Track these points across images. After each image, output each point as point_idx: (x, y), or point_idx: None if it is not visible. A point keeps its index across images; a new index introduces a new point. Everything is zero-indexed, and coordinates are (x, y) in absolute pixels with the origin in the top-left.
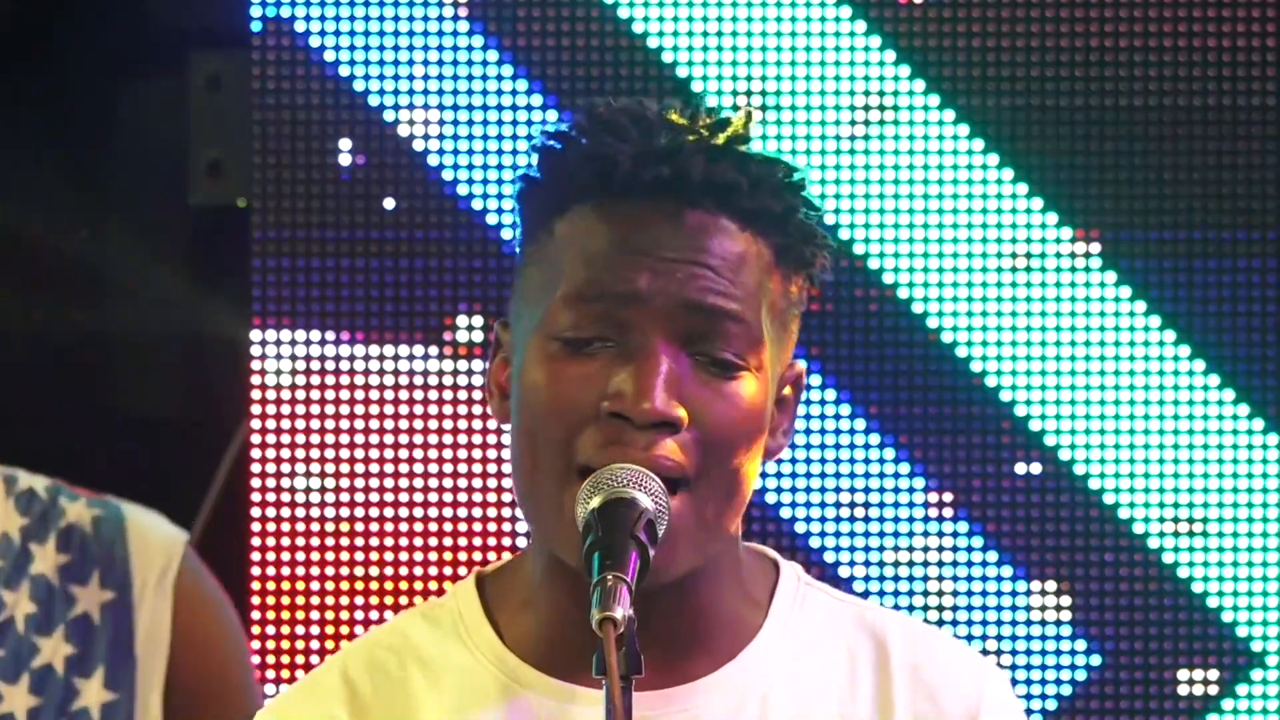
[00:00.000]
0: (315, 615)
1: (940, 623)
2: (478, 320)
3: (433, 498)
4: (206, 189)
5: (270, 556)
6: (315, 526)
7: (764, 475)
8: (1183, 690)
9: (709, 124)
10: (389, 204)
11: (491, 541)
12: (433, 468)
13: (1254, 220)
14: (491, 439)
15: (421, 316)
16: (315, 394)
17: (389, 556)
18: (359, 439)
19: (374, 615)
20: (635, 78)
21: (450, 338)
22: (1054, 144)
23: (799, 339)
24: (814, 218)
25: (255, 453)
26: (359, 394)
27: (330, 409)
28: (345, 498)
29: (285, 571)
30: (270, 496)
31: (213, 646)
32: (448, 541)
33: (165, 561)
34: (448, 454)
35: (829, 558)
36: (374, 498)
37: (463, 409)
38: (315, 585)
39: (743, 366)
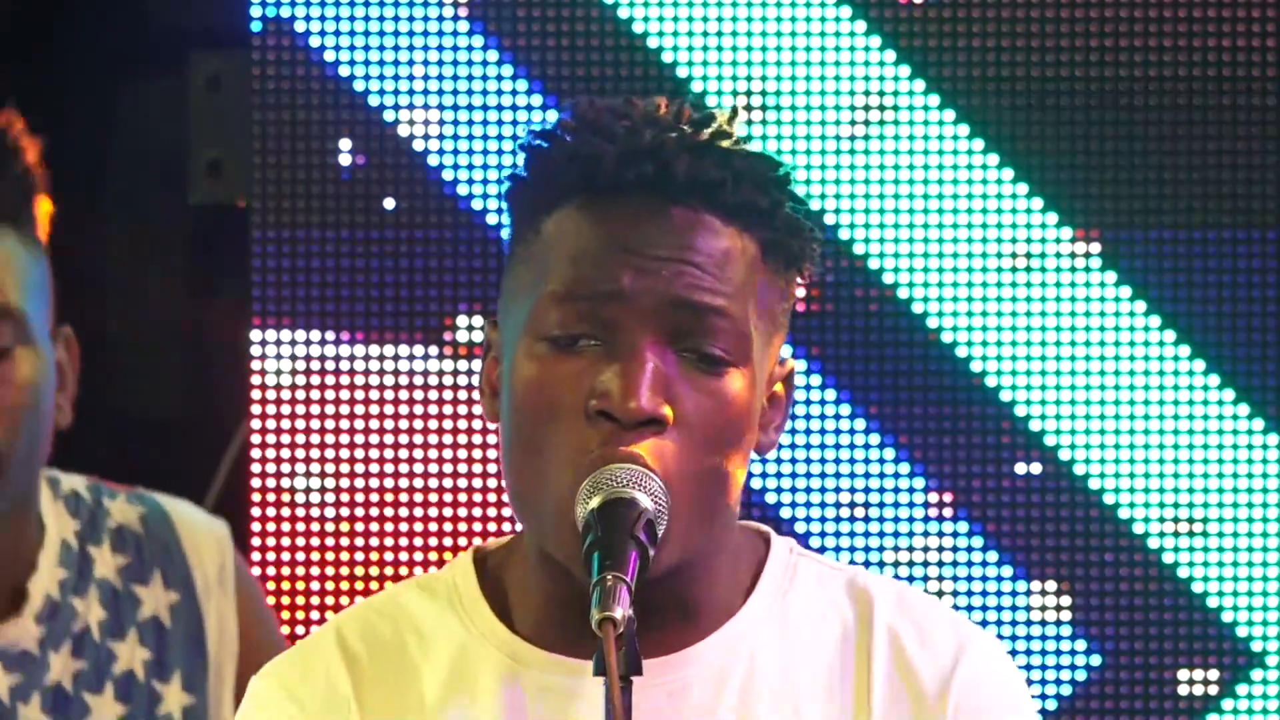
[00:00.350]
0: (315, 615)
1: None
2: (478, 320)
3: (433, 497)
4: (206, 189)
5: (270, 556)
6: (315, 526)
7: (764, 475)
8: (1183, 690)
9: (693, 120)
10: (389, 204)
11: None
12: (433, 468)
13: (1254, 220)
14: (491, 439)
15: (421, 316)
16: (315, 394)
17: (389, 556)
18: (359, 439)
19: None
20: (635, 78)
21: (450, 338)
22: (1054, 144)
23: (799, 339)
24: (800, 211)
25: (255, 453)
26: (359, 394)
27: (330, 409)
28: (345, 497)
29: (285, 571)
30: (270, 496)
31: (267, 638)
32: (447, 540)
33: (221, 558)
34: (448, 454)
35: (829, 558)
36: (374, 498)
37: (463, 409)
38: (315, 585)
39: (730, 362)
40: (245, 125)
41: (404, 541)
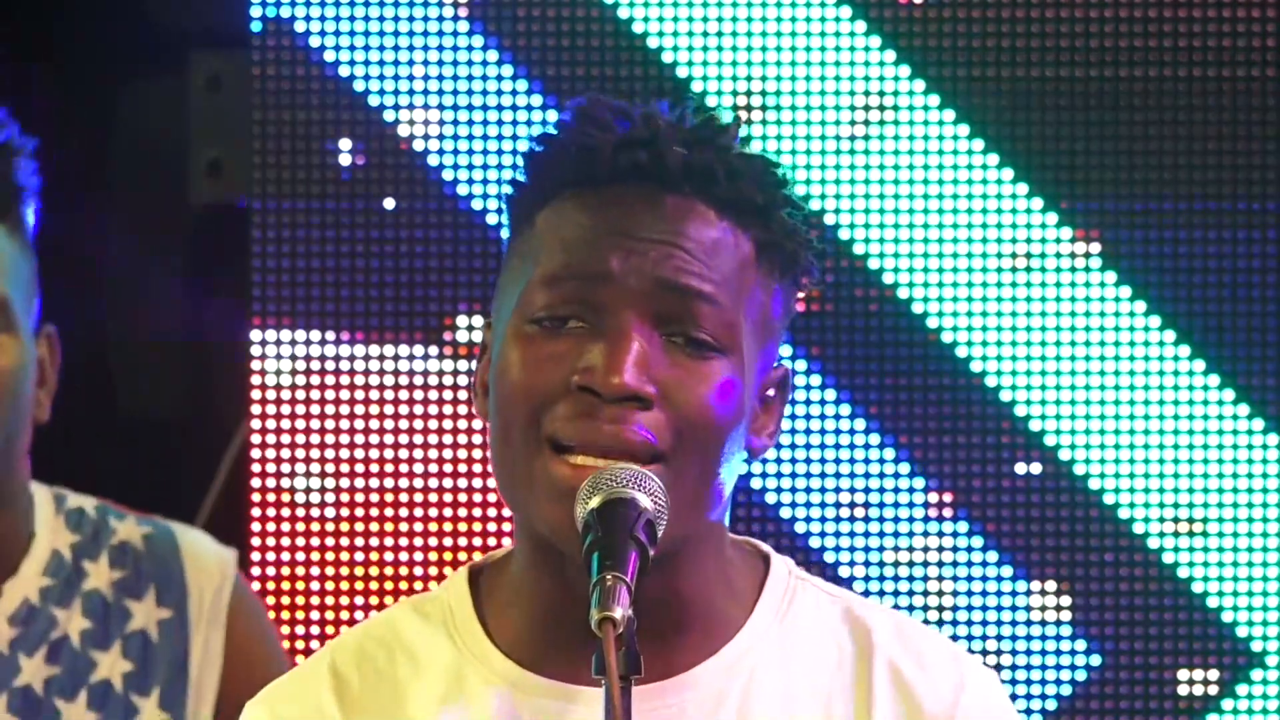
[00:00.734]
0: (315, 615)
1: (940, 623)
2: (478, 320)
3: (433, 498)
4: (206, 189)
5: (270, 556)
6: (315, 526)
7: (764, 475)
8: (1183, 690)
9: (691, 117)
10: (389, 204)
11: (491, 541)
12: (433, 468)
13: (1254, 221)
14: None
15: (421, 316)
16: (315, 394)
17: (389, 556)
18: (359, 439)
19: (374, 615)
20: (635, 78)
21: (450, 338)
22: (1054, 144)
23: (799, 339)
24: (799, 215)
25: (255, 453)
26: (359, 394)
27: (330, 409)
28: (345, 497)
29: (285, 571)
30: (270, 496)
31: (260, 670)
32: (447, 541)
33: (220, 582)
34: (448, 454)
35: (829, 558)
36: (374, 497)
37: (463, 409)
38: (315, 585)
39: (716, 349)
40: (245, 125)
41: (404, 541)
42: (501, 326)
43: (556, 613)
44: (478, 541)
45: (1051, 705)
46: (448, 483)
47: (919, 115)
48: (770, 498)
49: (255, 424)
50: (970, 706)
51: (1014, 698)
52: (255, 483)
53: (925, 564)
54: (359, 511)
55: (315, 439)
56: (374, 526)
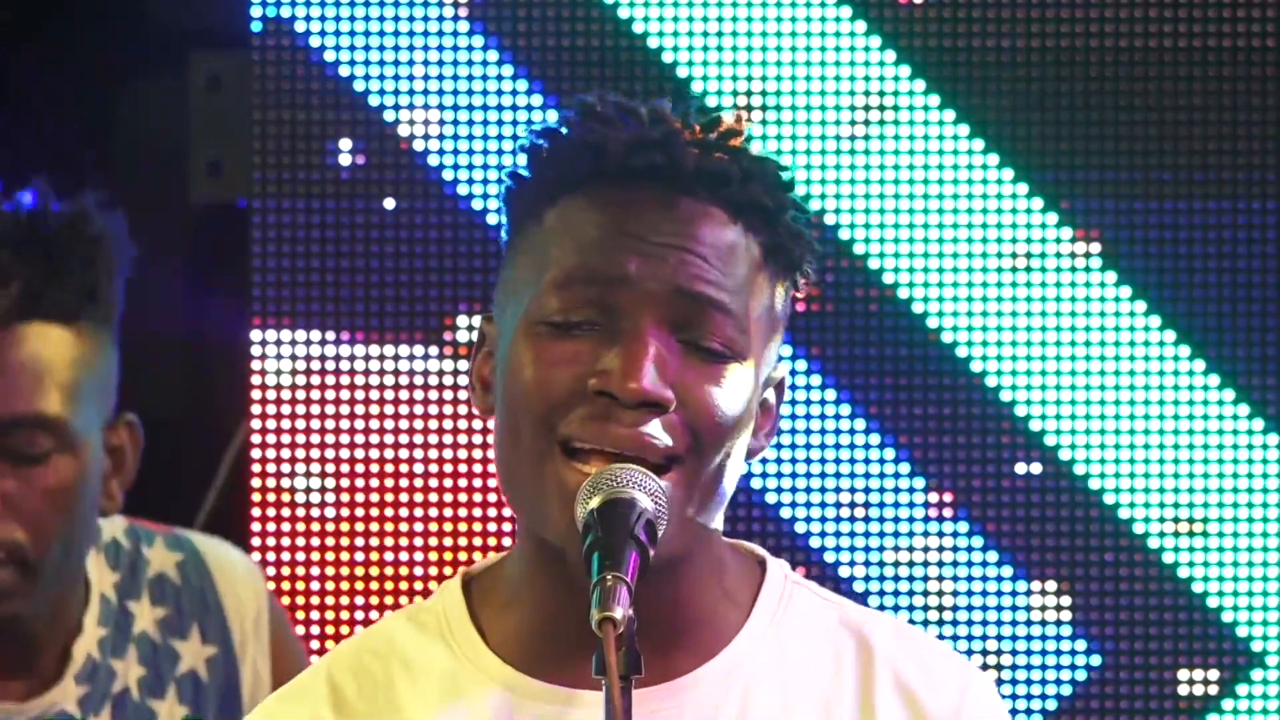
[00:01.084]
0: (315, 615)
1: (940, 623)
2: (478, 320)
3: (433, 498)
4: (206, 189)
5: (270, 556)
6: (315, 526)
7: (764, 475)
8: (1183, 690)
9: (703, 119)
10: (389, 204)
11: (491, 541)
12: (433, 468)
13: (1254, 221)
14: (491, 438)
15: (421, 316)
16: (315, 394)
17: (388, 556)
18: (359, 439)
19: (373, 615)
20: (635, 78)
21: (450, 338)
22: (1054, 144)
23: (799, 339)
24: (802, 220)
25: (255, 453)
26: (359, 394)
27: (330, 409)
28: (345, 497)
29: (285, 571)
30: (270, 496)
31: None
32: (447, 541)
33: (256, 607)
34: (448, 454)
35: (829, 558)
36: (374, 497)
37: (463, 409)
38: (315, 585)
39: (729, 356)
40: (245, 125)
41: (404, 541)
42: (509, 323)
43: (556, 615)
44: (477, 541)
45: (1051, 705)
46: (448, 482)
47: (919, 115)
48: (770, 498)
49: (255, 424)
50: (974, 710)
51: (1014, 698)
52: (255, 483)
53: (925, 564)
54: (359, 511)
55: (315, 439)
56: (374, 526)
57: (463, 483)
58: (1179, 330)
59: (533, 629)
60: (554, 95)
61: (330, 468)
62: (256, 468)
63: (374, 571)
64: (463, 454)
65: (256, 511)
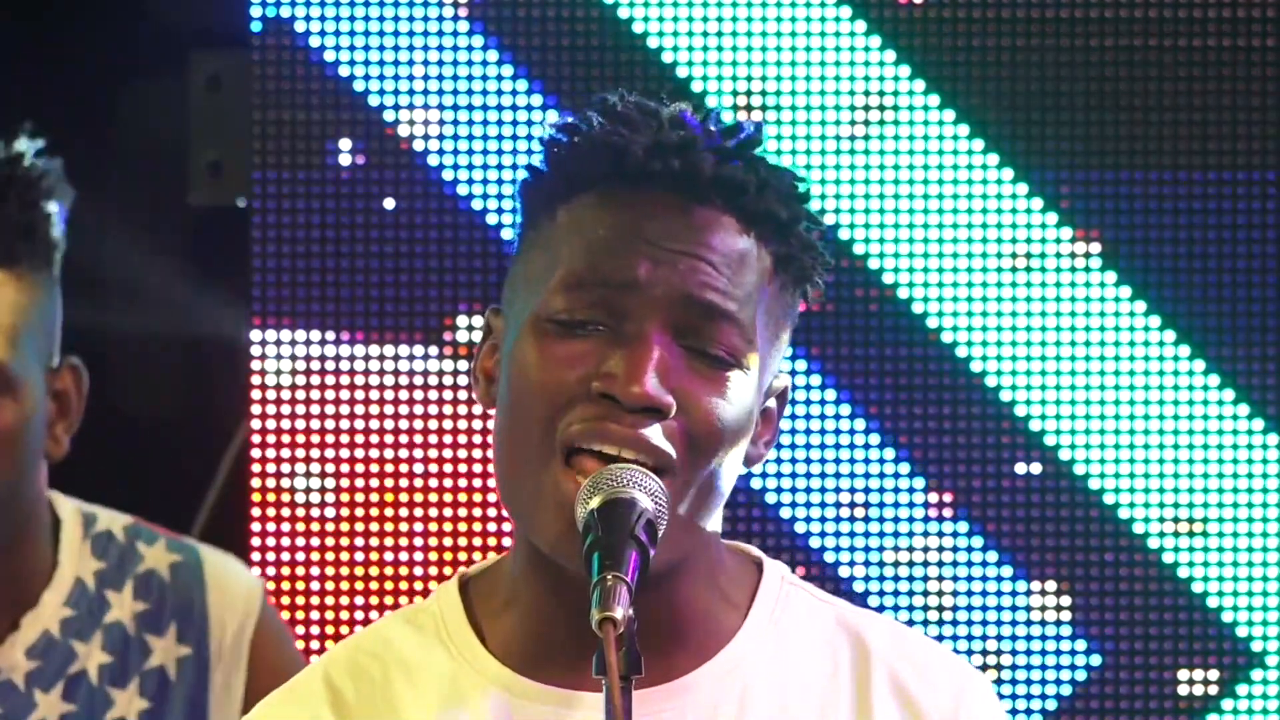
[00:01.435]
0: (315, 615)
1: (940, 623)
2: (478, 320)
3: (432, 497)
4: (206, 189)
5: (270, 556)
6: (315, 526)
7: (764, 475)
8: (1183, 690)
9: (721, 126)
10: (389, 204)
11: (491, 541)
12: (433, 468)
13: (1254, 221)
14: (491, 438)
15: (421, 316)
16: (315, 394)
17: (388, 556)
18: (359, 439)
19: (373, 615)
20: (635, 78)
21: (450, 338)
22: (1054, 144)
23: (799, 339)
24: (815, 231)
25: (255, 453)
26: (359, 394)
27: (330, 409)
28: (345, 497)
29: (285, 571)
30: (270, 496)
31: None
32: (447, 541)
33: (243, 618)
34: (448, 454)
35: (829, 558)
36: (374, 497)
37: (463, 409)
38: (315, 585)
39: (732, 365)
40: (245, 125)
41: (404, 541)
42: (517, 318)
43: (554, 617)
44: (477, 541)
45: (1051, 705)
46: (448, 483)
47: (919, 115)
48: (770, 498)
49: (255, 424)
50: (971, 712)
51: (1014, 698)
52: (255, 483)
53: (925, 564)
54: (359, 511)
55: (315, 439)
56: (374, 526)
57: (462, 483)
58: (1179, 330)
59: (531, 630)
60: (554, 95)
61: (330, 468)
62: (256, 468)
63: (374, 572)
64: (462, 454)
65: (256, 511)
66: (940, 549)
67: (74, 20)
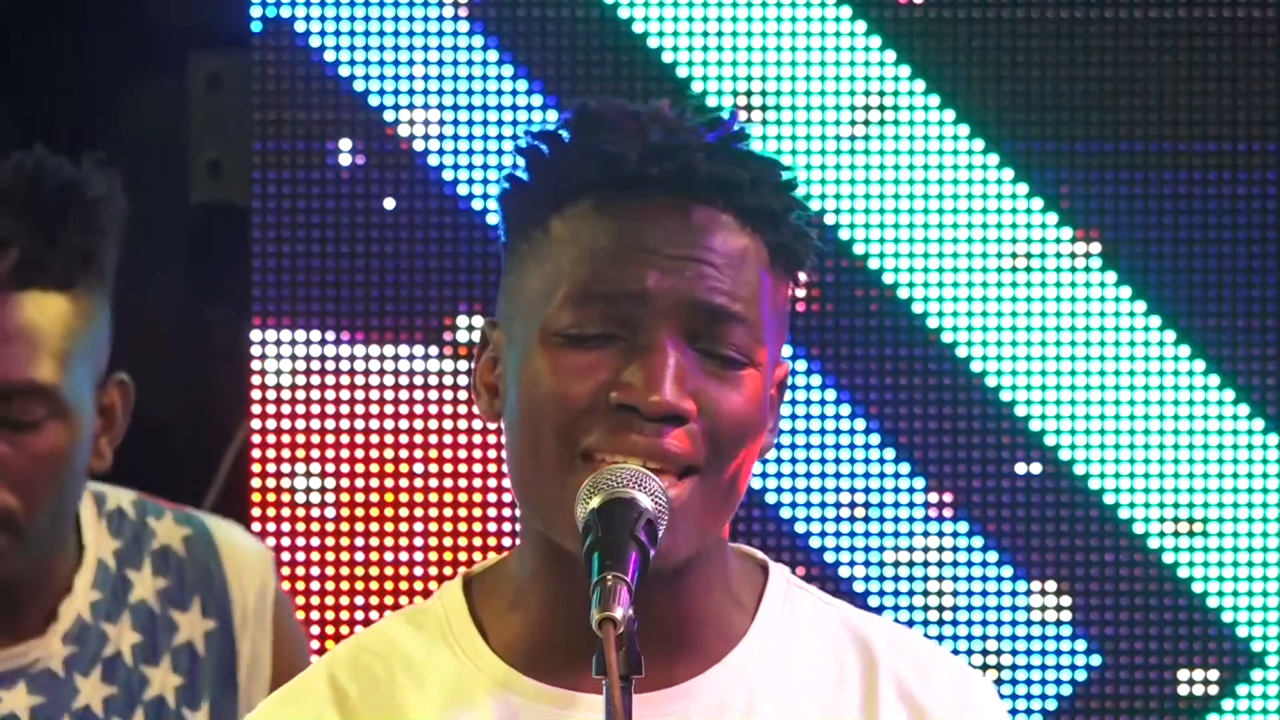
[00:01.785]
0: (315, 615)
1: (940, 623)
2: (478, 320)
3: (433, 497)
4: (206, 189)
5: None
6: (315, 526)
7: (764, 475)
8: (1183, 690)
9: (706, 121)
10: (389, 204)
11: (491, 541)
12: (433, 468)
13: (1254, 222)
14: (491, 439)
15: (421, 316)
16: (315, 394)
17: (389, 556)
18: (359, 439)
19: (374, 615)
20: (635, 78)
21: (450, 338)
22: (1054, 144)
23: (799, 339)
24: (806, 218)
25: (255, 453)
26: (359, 394)
27: (330, 409)
28: (345, 497)
29: (285, 571)
30: (270, 496)
31: (299, 662)
32: (447, 541)
33: (261, 587)
34: (448, 454)
35: (829, 558)
36: (374, 497)
37: (463, 409)
38: (315, 585)
39: (745, 363)
40: (245, 125)
41: (404, 541)
42: (520, 334)
43: (561, 617)
44: (477, 541)
45: (1051, 705)
46: (448, 482)
47: (919, 115)
48: (770, 498)
49: (255, 424)
50: (979, 717)
51: (1014, 698)
52: (255, 483)
53: (925, 564)
54: (359, 511)
55: (315, 439)
56: (374, 526)
57: (463, 483)
58: (1179, 330)
59: (538, 631)
60: (554, 95)
61: (330, 467)
62: (256, 468)
63: (374, 571)
64: (463, 454)
65: (256, 512)
66: (940, 549)
67: (74, 20)
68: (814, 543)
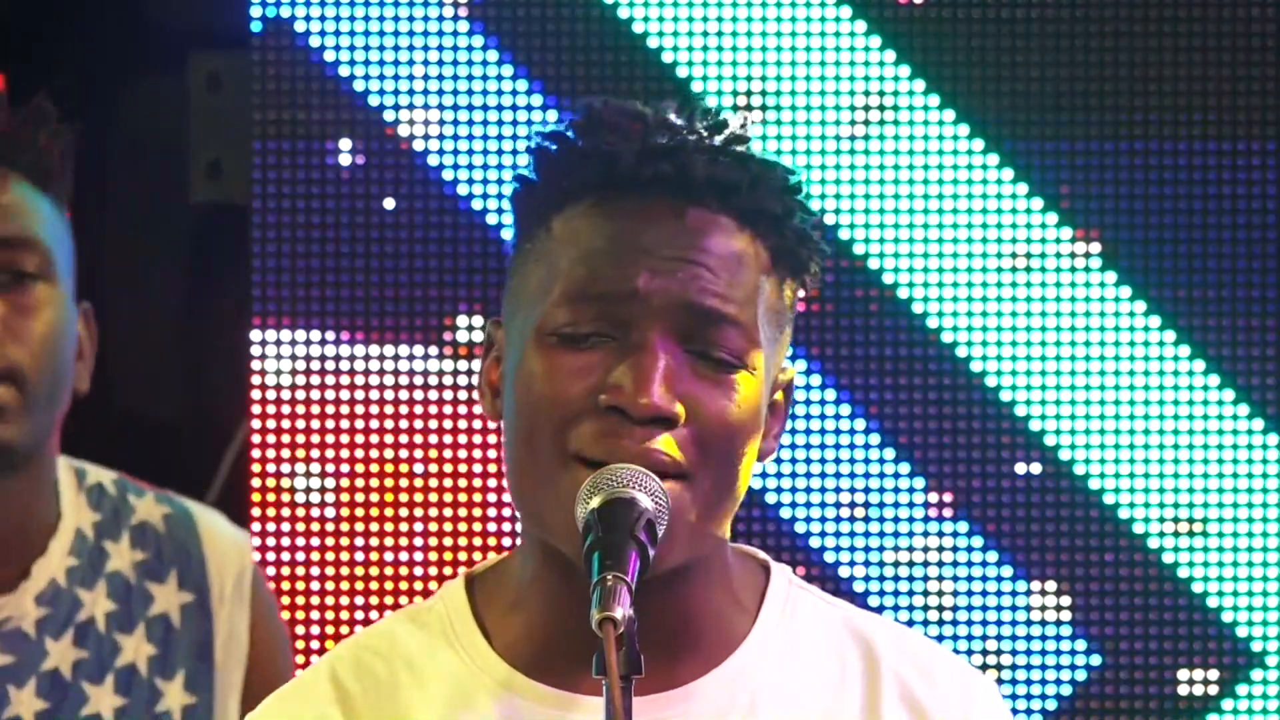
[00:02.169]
0: (315, 615)
1: (940, 623)
2: (478, 320)
3: (433, 497)
4: (206, 189)
5: (270, 556)
6: (315, 526)
7: (764, 475)
8: (1183, 690)
9: (708, 124)
10: (389, 204)
11: (491, 541)
12: (433, 468)
13: (1254, 222)
14: (491, 439)
15: (421, 316)
16: (315, 394)
17: (389, 556)
18: (359, 439)
19: (374, 615)
20: (635, 78)
21: (450, 338)
22: (1054, 144)
23: (799, 338)
24: (809, 221)
25: (255, 453)
26: (359, 394)
27: (330, 409)
28: (345, 497)
29: (285, 571)
30: (270, 496)
31: (280, 652)
32: (447, 541)
33: (240, 567)
34: (448, 454)
35: (829, 558)
36: (374, 497)
37: (463, 409)
38: (315, 585)
39: (738, 366)
40: (245, 125)
41: (404, 541)
42: (517, 332)
43: (562, 618)
44: (477, 541)
45: (1051, 705)
46: (448, 482)
47: (919, 115)
48: (770, 498)
49: (255, 424)
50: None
51: (1014, 698)
52: (255, 483)
53: (925, 564)
54: (359, 511)
55: (315, 439)
56: (374, 526)
57: (463, 483)
58: (1179, 330)
59: (538, 632)
60: (554, 95)
61: (330, 468)
62: (256, 468)
63: (374, 571)
64: (463, 454)
65: (256, 511)
66: (940, 549)
67: (74, 20)
68: (814, 543)
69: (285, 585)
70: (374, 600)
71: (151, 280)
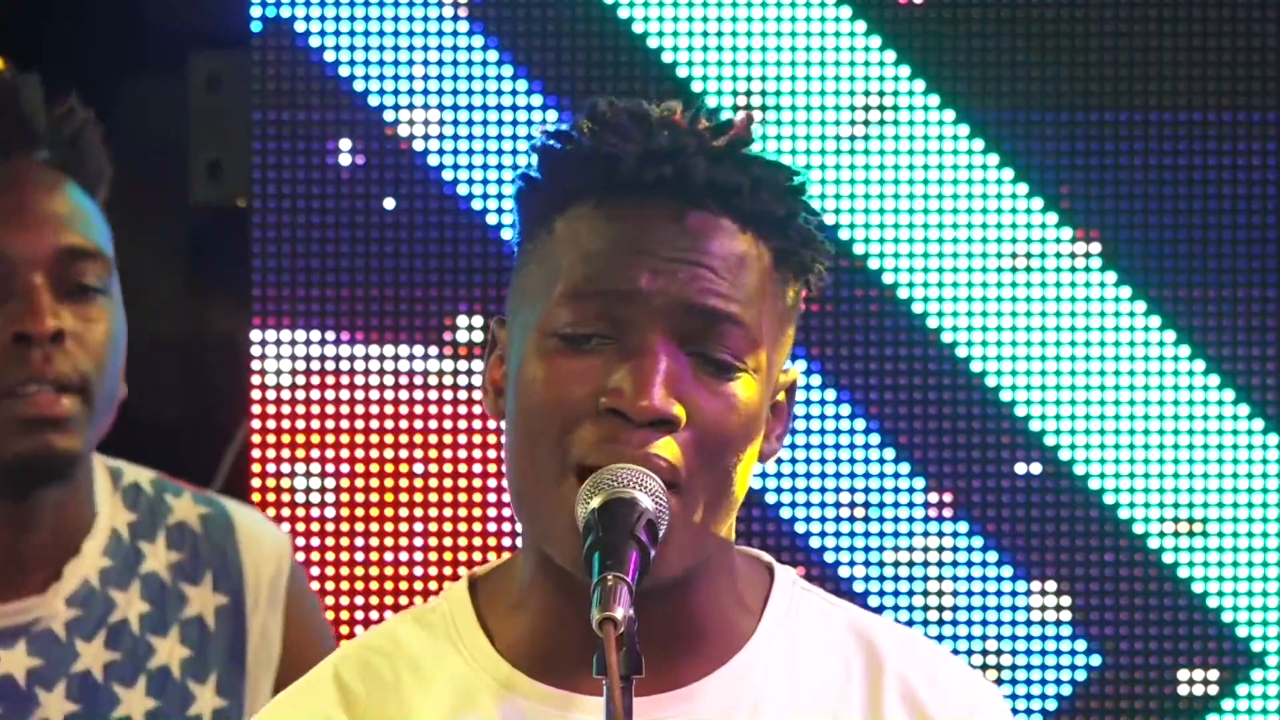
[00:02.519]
0: None
1: (940, 623)
2: (478, 320)
3: (433, 497)
4: (206, 189)
5: None
6: (315, 526)
7: (764, 475)
8: (1183, 690)
9: (711, 125)
10: (389, 204)
11: (491, 541)
12: (433, 468)
13: (1254, 221)
14: (491, 439)
15: (421, 316)
16: (315, 394)
17: (389, 556)
18: (359, 439)
19: (374, 615)
20: (635, 78)
21: (450, 338)
22: (1054, 144)
23: (799, 338)
24: (814, 223)
25: (255, 453)
26: (359, 394)
27: (330, 409)
28: (345, 497)
29: None
30: (270, 496)
31: (316, 656)
32: (448, 541)
33: (276, 569)
34: (448, 454)
35: (829, 558)
36: (374, 497)
37: (463, 409)
38: (315, 585)
39: (740, 368)
40: (245, 125)
41: (404, 541)
42: (521, 333)
43: (562, 620)
44: (478, 541)
45: (1051, 705)
46: (448, 482)
47: (919, 115)
48: (770, 498)
49: (255, 424)
50: None
51: (1014, 698)
52: (255, 483)
53: (925, 564)
54: (359, 511)
55: (315, 439)
56: (374, 526)
57: (463, 483)
58: (1179, 330)
59: (540, 632)
60: (554, 95)
61: (330, 468)
62: (256, 468)
63: (374, 571)
64: (463, 454)
65: None
66: (940, 549)
67: (74, 20)
68: (814, 543)
69: None
70: (374, 600)
71: (151, 280)
